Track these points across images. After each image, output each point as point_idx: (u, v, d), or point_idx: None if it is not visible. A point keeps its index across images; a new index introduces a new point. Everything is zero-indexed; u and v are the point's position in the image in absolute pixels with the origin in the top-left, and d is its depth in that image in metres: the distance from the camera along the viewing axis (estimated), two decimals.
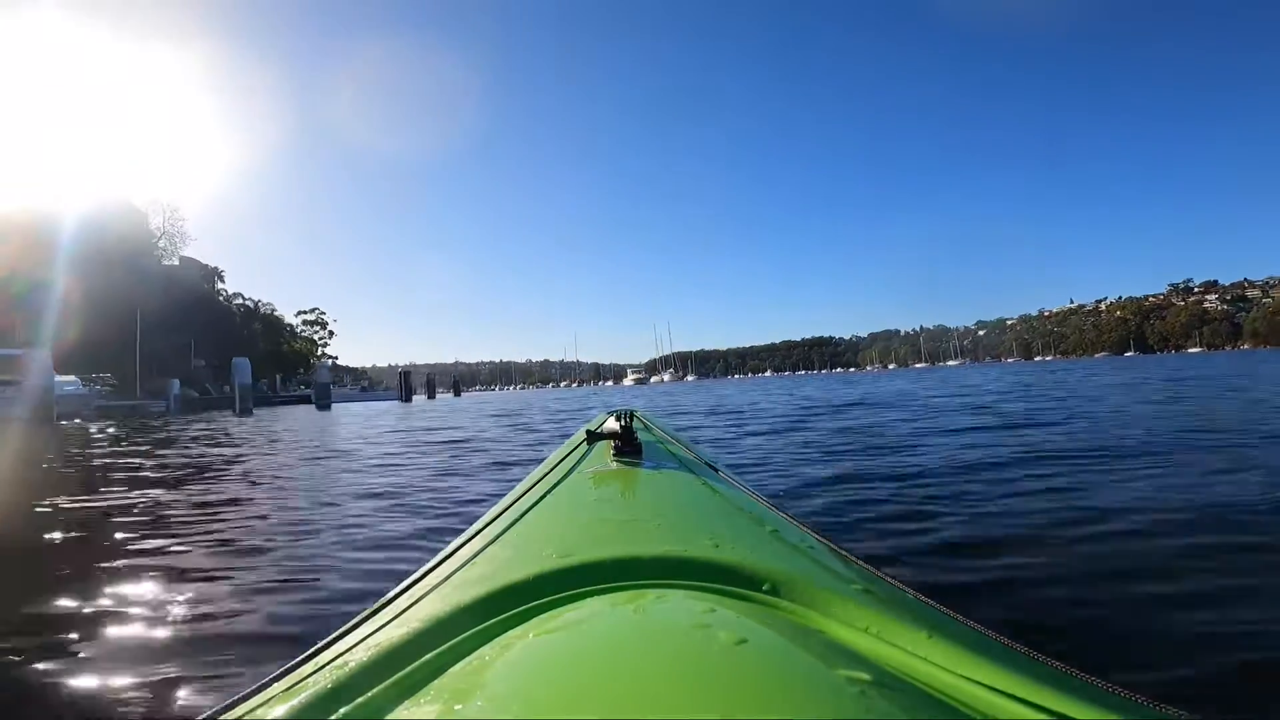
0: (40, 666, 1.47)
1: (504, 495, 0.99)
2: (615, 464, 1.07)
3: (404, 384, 43.25)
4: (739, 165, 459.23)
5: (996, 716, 0.41)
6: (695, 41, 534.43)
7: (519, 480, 1.17)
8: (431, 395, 50.01)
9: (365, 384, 54.71)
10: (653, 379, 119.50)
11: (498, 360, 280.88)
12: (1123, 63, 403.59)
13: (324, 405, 33.08)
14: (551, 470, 1.09)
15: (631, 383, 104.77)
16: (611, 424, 1.17)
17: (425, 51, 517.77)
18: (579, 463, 1.12)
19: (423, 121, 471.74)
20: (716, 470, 1.16)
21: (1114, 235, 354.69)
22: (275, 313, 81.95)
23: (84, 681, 1.38)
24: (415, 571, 0.70)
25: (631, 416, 1.20)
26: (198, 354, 42.70)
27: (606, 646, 0.45)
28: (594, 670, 0.40)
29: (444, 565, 0.70)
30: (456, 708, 0.39)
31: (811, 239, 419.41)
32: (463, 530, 0.86)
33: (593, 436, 1.25)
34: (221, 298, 63.82)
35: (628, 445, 1.12)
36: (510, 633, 0.50)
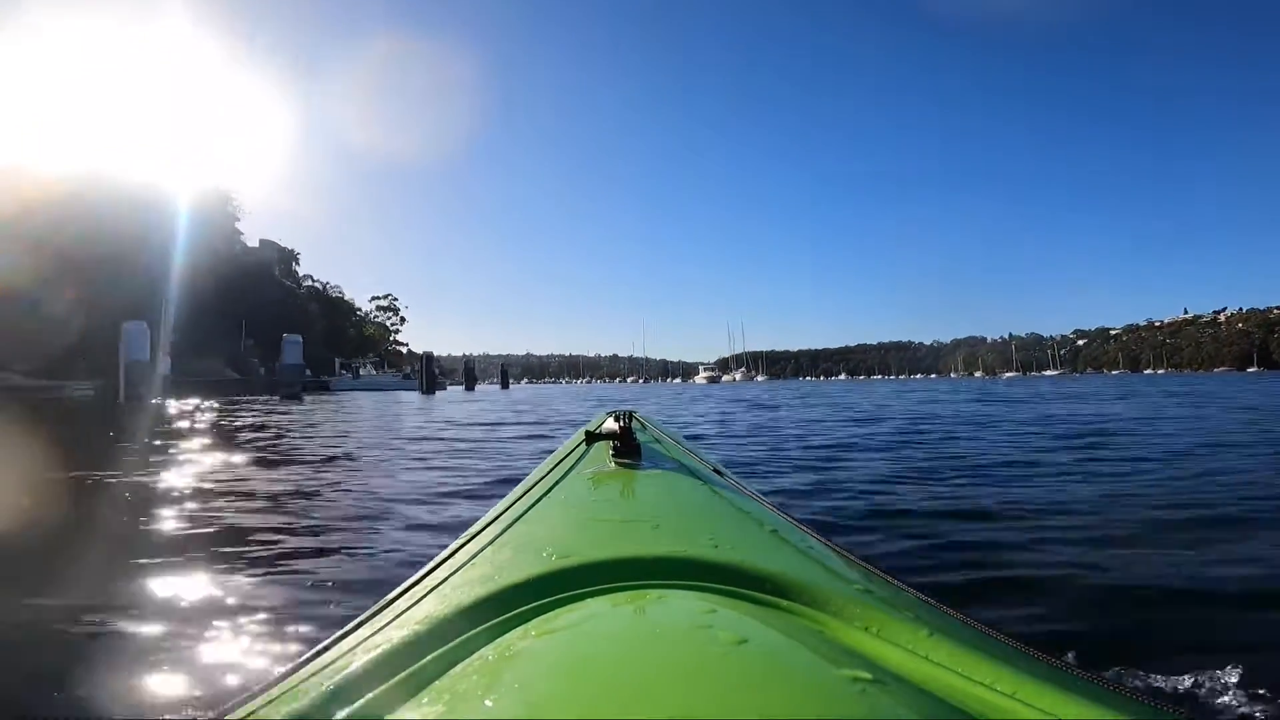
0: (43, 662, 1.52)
1: (503, 497, 1.00)
2: (614, 465, 1.06)
3: (426, 372, 36.78)
4: (812, 166, 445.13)
5: (997, 716, 0.41)
6: (771, 31, 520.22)
7: (518, 482, 1.14)
8: (470, 386, 44.75)
9: (408, 371, 52.88)
10: (724, 378, 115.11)
11: (567, 353, 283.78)
12: (1239, 49, 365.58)
13: (292, 394, 26.51)
14: (550, 471, 1.09)
15: (704, 381, 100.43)
16: (610, 425, 1.16)
17: (488, 40, 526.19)
18: (578, 464, 1.11)
19: (508, 113, 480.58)
20: (716, 471, 1.15)
21: (1232, 242, 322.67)
22: (344, 296, 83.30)
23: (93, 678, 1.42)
24: (415, 573, 0.70)
25: (631, 417, 1.18)
26: (249, 334, 42.32)
27: (607, 647, 0.45)
28: (595, 671, 0.40)
29: (443, 567, 0.70)
30: (458, 709, 0.39)
31: (889, 239, 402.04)
32: (462, 532, 0.86)
33: (591, 437, 1.21)
34: (289, 280, 64.55)
35: (627, 446, 1.10)
36: (511, 634, 0.50)
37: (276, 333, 46.47)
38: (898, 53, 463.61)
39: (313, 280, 77.12)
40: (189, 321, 35.35)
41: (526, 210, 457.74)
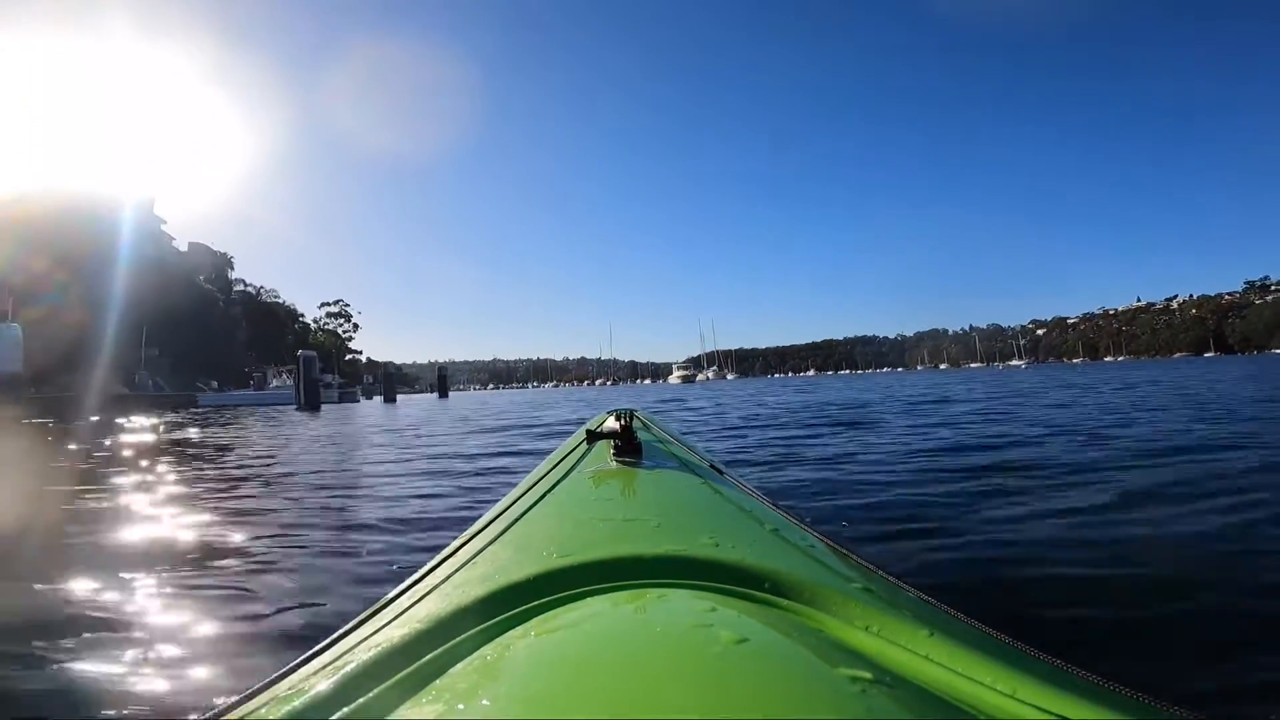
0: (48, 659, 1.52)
1: (504, 495, 1.01)
2: (615, 464, 1.06)
3: (301, 378, 28.60)
4: (772, 160, 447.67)
5: (998, 716, 0.41)
6: (736, 35, 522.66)
7: (519, 480, 1.14)
8: (390, 397, 36.72)
9: (338, 382, 47.84)
10: (698, 377, 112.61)
11: (535, 357, 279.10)
12: (1179, 43, 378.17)
13: (71, 422, 14.45)
14: (551, 470, 1.09)
15: (678, 380, 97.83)
16: (611, 423, 1.15)
17: (448, 46, 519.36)
18: (579, 462, 1.10)
19: (458, 119, 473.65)
20: (717, 470, 1.14)
21: (1181, 231, 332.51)
22: (280, 300, 78.55)
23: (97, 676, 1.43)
24: (416, 571, 0.71)
25: (631, 416, 1.17)
26: (150, 343, 38.06)
27: (608, 646, 0.45)
28: (595, 670, 0.40)
29: (444, 565, 0.70)
30: (458, 707, 0.39)
31: (848, 235, 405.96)
32: (463, 531, 0.87)
33: (593, 436, 1.21)
34: (213, 285, 59.92)
35: (628, 445, 1.10)
36: (511, 632, 0.50)
37: (188, 342, 42.47)
38: (865, 55, 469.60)
39: (245, 285, 72.65)
40: (71, 330, 31.27)
41: (490, 216, 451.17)
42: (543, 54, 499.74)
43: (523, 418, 11.43)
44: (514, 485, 1.08)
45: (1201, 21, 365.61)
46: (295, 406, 27.36)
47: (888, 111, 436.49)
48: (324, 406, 27.83)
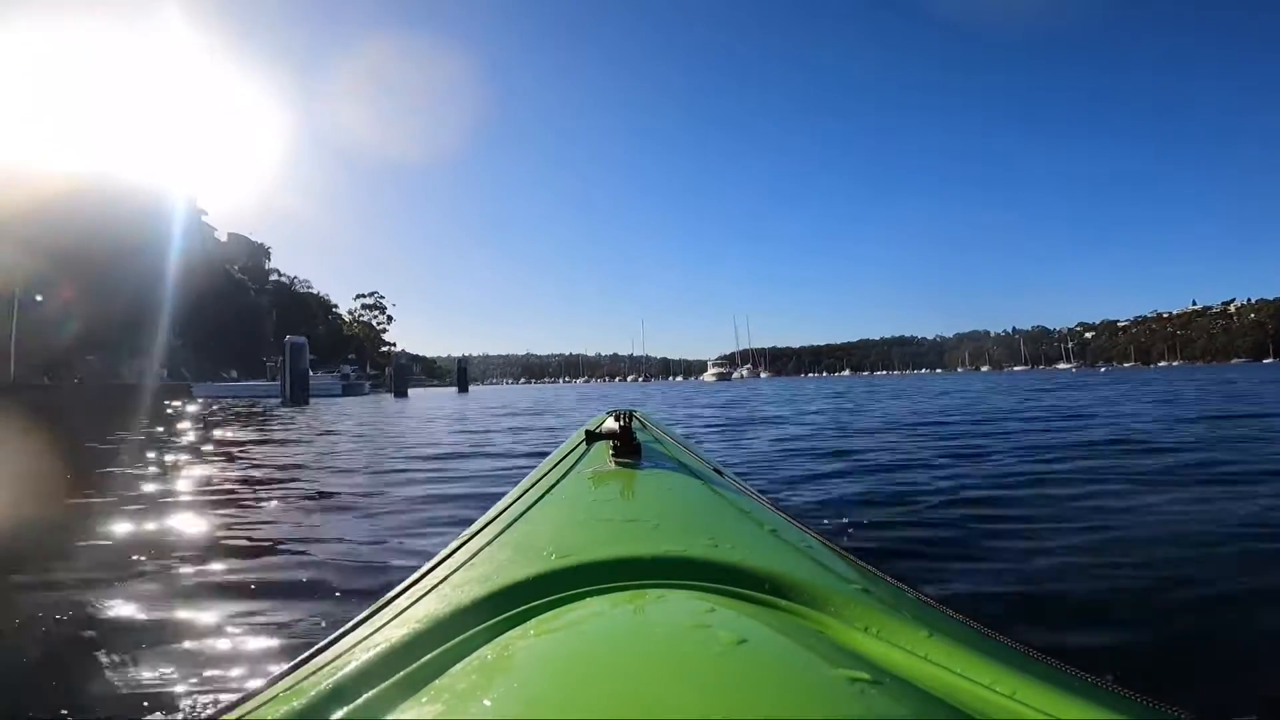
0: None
1: (503, 496, 1.02)
2: (614, 464, 1.07)
3: (288, 369, 24.77)
4: (810, 164, 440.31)
5: (996, 716, 0.41)
6: (771, 32, 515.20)
7: (518, 481, 1.15)
8: (400, 391, 33.67)
9: (348, 373, 47.26)
10: (734, 375, 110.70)
11: (568, 353, 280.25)
12: (1230, 39, 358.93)
13: None
14: (550, 471, 1.09)
15: (712, 378, 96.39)
16: (611, 424, 1.16)
17: (484, 41, 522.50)
18: (578, 463, 1.11)
19: (493, 118, 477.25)
20: (715, 471, 1.15)
21: (1237, 232, 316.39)
22: (313, 290, 79.04)
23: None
24: (415, 572, 0.71)
25: (631, 417, 1.18)
26: (176, 331, 38.34)
27: (606, 646, 0.45)
28: (594, 670, 0.40)
29: (443, 565, 0.70)
30: (458, 708, 0.39)
31: (887, 235, 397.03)
32: (462, 531, 0.88)
33: (591, 437, 1.23)
34: (245, 275, 60.69)
35: (627, 446, 1.10)
36: (510, 633, 0.50)
37: (213, 331, 42.86)
38: (897, 52, 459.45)
39: (280, 275, 73.59)
40: (88, 318, 31.60)
41: (526, 212, 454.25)
42: (576, 49, 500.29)
43: (487, 434, 9.75)
44: (514, 486, 1.07)
45: (1251, 18, 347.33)
46: (280, 401, 24.02)
47: (930, 113, 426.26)
48: (320, 400, 25.82)
